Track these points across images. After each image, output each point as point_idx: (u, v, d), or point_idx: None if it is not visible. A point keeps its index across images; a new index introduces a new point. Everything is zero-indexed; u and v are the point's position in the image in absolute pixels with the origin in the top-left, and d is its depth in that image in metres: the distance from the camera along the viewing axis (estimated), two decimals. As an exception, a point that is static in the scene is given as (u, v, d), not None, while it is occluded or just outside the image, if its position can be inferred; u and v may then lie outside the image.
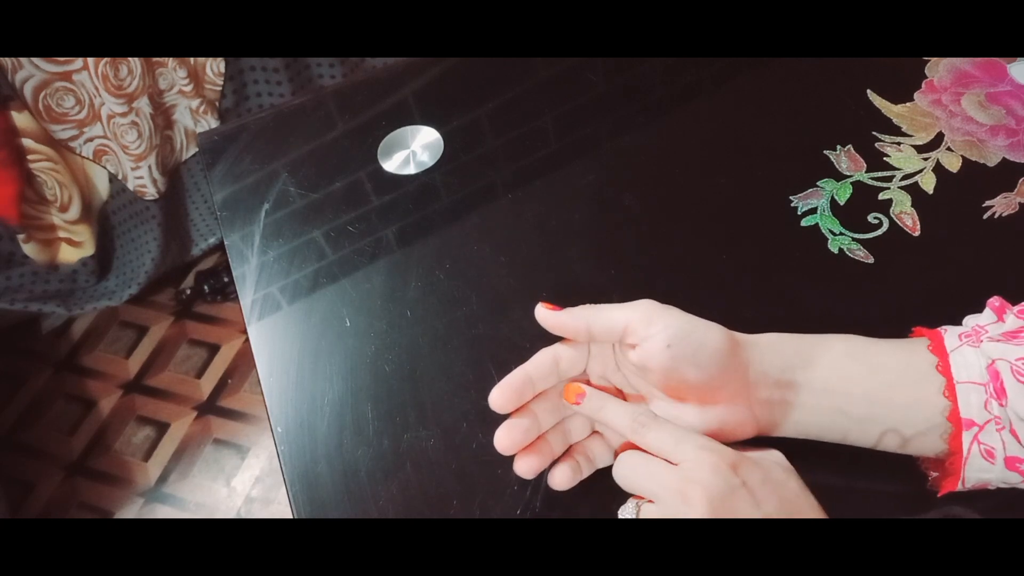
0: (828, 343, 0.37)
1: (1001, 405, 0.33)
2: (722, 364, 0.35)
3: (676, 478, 0.33)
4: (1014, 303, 0.36)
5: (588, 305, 0.38)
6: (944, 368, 0.34)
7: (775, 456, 0.35)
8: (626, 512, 0.35)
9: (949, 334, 0.36)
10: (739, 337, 0.37)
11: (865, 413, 0.35)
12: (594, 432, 0.40)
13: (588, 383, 0.40)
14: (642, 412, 0.36)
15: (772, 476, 0.33)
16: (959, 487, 0.35)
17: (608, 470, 0.39)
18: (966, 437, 0.33)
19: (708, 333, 0.36)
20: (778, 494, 0.33)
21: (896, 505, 0.38)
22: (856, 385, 0.35)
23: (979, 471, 0.34)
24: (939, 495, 0.36)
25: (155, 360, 1.41)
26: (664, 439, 0.35)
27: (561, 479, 0.38)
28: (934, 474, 0.37)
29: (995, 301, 0.36)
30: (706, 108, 0.59)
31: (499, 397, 0.38)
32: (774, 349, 0.37)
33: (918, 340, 0.37)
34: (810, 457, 0.36)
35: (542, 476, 0.39)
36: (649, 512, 0.34)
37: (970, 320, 0.37)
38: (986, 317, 0.36)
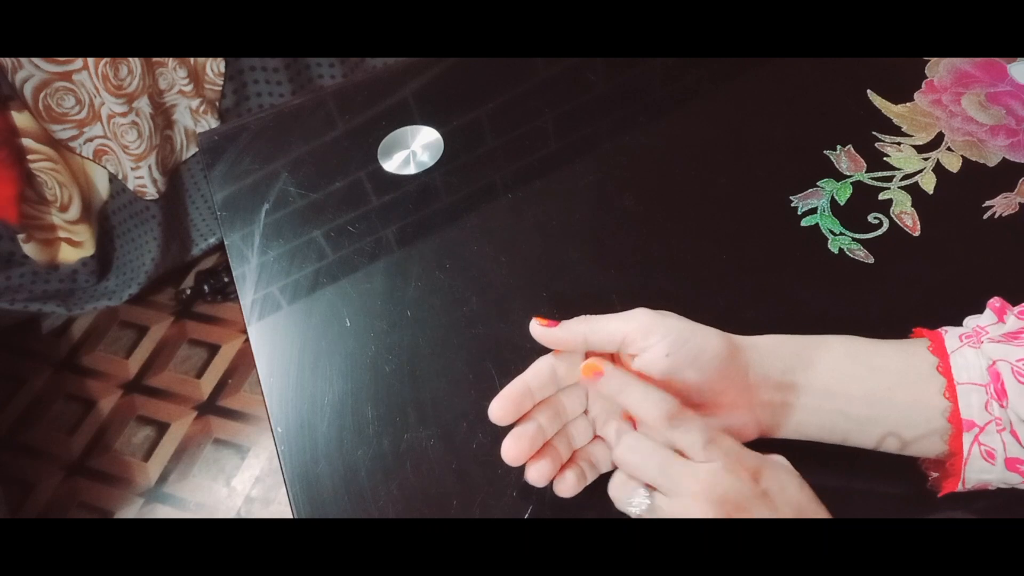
0: (828, 345, 0.37)
1: (1002, 406, 0.33)
2: (722, 369, 0.35)
3: (697, 481, 0.32)
4: (1014, 304, 0.36)
5: (583, 317, 0.38)
6: (945, 369, 0.34)
7: (779, 461, 0.35)
8: (639, 503, 0.33)
9: (950, 335, 0.36)
10: (738, 340, 0.37)
11: (865, 414, 0.35)
12: (596, 436, 0.40)
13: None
14: (673, 404, 0.34)
15: (791, 483, 0.33)
16: (959, 488, 0.35)
17: (608, 471, 0.39)
18: (967, 438, 0.33)
19: (706, 339, 0.36)
20: (795, 501, 0.32)
21: (896, 506, 0.38)
22: (856, 387, 0.35)
23: (979, 472, 0.34)
24: (939, 495, 0.36)
25: (155, 360, 1.41)
26: (694, 439, 0.33)
27: (567, 486, 0.37)
28: (934, 475, 0.37)
29: (995, 302, 0.36)
30: (706, 108, 0.59)
31: (498, 409, 0.37)
32: (774, 352, 0.37)
33: (919, 341, 0.37)
34: (806, 460, 0.36)
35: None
36: (662, 507, 0.32)
37: (970, 321, 0.37)
38: (987, 318, 0.36)
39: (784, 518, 0.31)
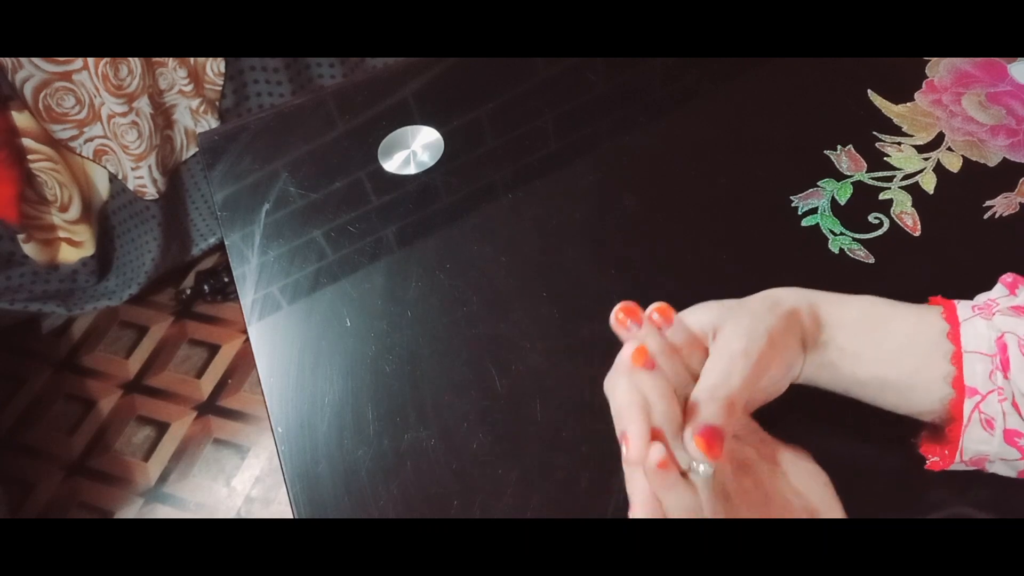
0: (844, 305, 0.37)
1: (1005, 377, 0.33)
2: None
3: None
4: None
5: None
6: (954, 336, 0.35)
7: (804, 462, 0.36)
8: (704, 470, 0.31)
9: (962, 305, 0.36)
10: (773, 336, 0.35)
11: (873, 373, 0.36)
12: None
13: None
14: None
15: (775, 479, 0.34)
16: (957, 459, 0.35)
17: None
18: (967, 404, 0.34)
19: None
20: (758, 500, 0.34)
21: (894, 485, 0.38)
22: (868, 348, 0.36)
23: (978, 442, 0.34)
24: (937, 470, 0.36)
25: (155, 360, 1.41)
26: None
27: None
28: (934, 458, 0.37)
29: (1007, 277, 0.37)
30: (706, 108, 0.59)
31: (640, 454, 0.33)
32: (797, 310, 0.37)
33: (932, 308, 0.37)
34: (810, 432, 0.36)
35: (539, 477, 0.39)
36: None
37: (982, 297, 0.37)
38: (998, 291, 0.37)
39: (761, 518, 0.33)
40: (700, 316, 0.37)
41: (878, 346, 0.36)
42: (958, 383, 0.34)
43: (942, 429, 0.36)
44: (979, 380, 0.34)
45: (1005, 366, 0.33)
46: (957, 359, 0.34)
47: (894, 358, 0.36)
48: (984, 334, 0.34)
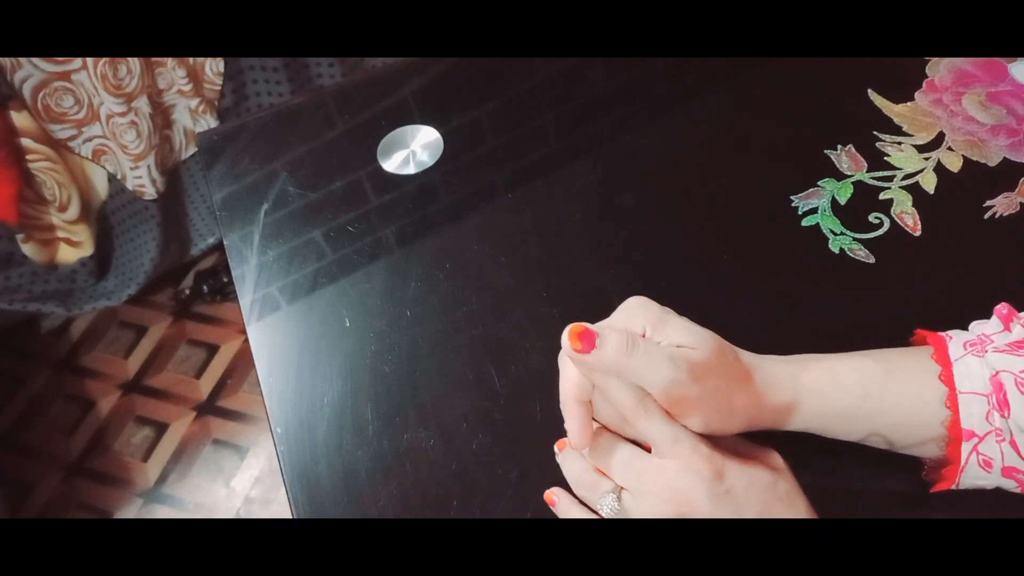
0: (832, 362, 0.36)
1: (1003, 417, 0.32)
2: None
3: (662, 481, 0.33)
4: (1015, 303, 0.36)
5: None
6: (947, 378, 0.34)
7: (772, 458, 0.35)
8: (607, 505, 0.35)
9: (954, 343, 0.35)
10: (742, 367, 0.35)
11: (865, 426, 0.35)
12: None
13: None
14: (648, 395, 0.34)
15: (758, 481, 0.33)
16: (953, 487, 0.35)
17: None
18: (965, 448, 0.33)
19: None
20: (762, 499, 0.33)
21: (887, 503, 0.38)
22: (856, 399, 0.35)
23: (975, 478, 0.34)
24: (931, 491, 0.36)
25: (154, 360, 1.40)
26: (662, 433, 0.34)
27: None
28: (930, 464, 0.37)
29: (1003, 308, 0.36)
30: (706, 108, 0.59)
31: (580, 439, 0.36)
32: (779, 374, 0.36)
33: (922, 349, 0.36)
34: (804, 456, 0.36)
35: (539, 477, 0.39)
36: (629, 506, 0.34)
37: (976, 327, 0.36)
38: (992, 326, 0.36)
39: (744, 518, 0.32)
40: (630, 315, 0.36)
41: (867, 397, 0.35)
42: (954, 427, 0.33)
43: (939, 465, 0.35)
44: (976, 422, 0.33)
45: (1003, 406, 0.32)
46: (952, 401, 0.33)
47: (886, 406, 0.35)
48: (978, 373, 0.34)
